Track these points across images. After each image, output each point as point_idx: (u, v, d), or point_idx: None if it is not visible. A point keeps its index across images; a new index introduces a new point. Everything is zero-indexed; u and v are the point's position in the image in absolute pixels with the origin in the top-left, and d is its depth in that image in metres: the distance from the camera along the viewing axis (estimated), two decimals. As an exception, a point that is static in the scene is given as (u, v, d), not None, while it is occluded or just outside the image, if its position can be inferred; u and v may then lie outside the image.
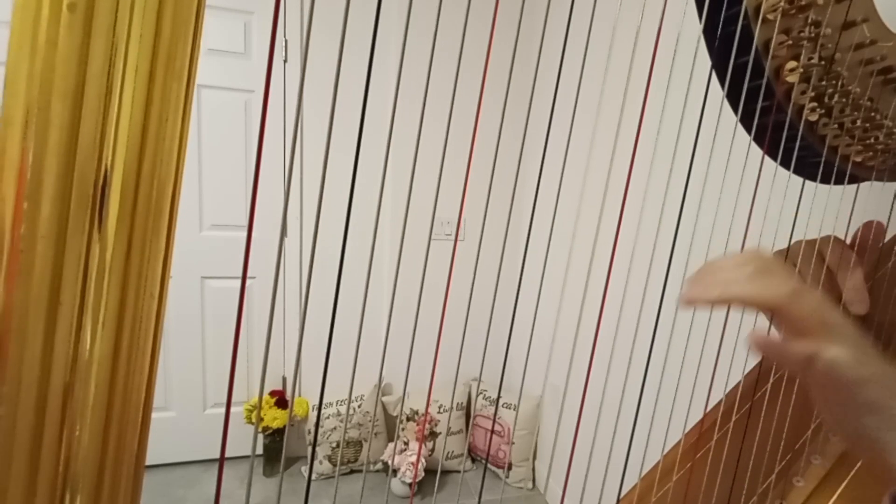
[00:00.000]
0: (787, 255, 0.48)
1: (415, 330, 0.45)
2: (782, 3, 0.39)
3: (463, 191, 2.10)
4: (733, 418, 0.51)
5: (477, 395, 2.07)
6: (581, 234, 1.60)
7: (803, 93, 0.43)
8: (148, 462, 0.25)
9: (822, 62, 0.41)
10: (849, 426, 0.30)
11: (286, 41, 1.85)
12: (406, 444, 1.94)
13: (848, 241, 0.49)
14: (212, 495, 1.78)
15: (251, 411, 1.92)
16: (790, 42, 0.41)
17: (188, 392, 1.97)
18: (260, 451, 1.96)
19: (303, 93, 0.27)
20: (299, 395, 2.01)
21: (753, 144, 0.46)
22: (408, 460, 1.84)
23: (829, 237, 0.48)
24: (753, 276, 0.29)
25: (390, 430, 2.06)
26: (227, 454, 2.05)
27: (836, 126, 0.45)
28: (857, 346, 0.29)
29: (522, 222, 2.17)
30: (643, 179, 1.22)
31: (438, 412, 1.99)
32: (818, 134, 0.45)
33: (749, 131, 0.45)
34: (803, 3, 0.39)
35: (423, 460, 1.90)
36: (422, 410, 1.96)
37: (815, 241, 0.49)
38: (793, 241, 0.49)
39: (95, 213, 0.22)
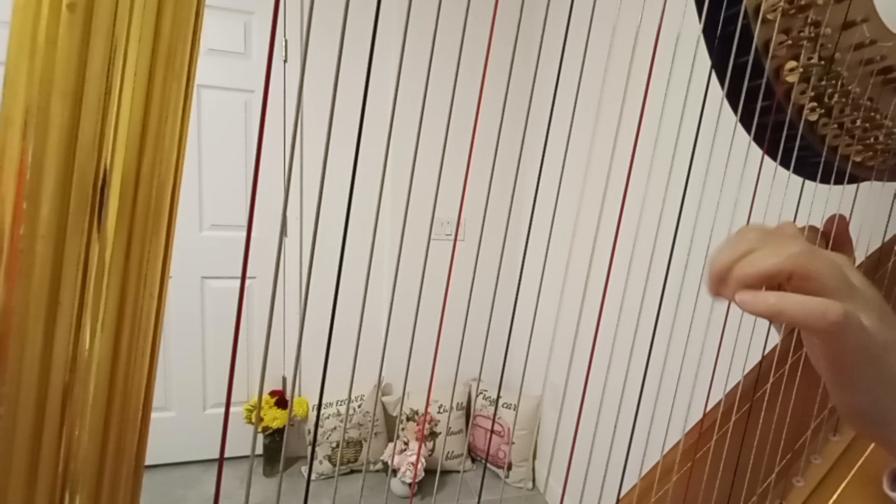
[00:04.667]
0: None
1: (415, 330, 0.45)
2: (782, 3, 0.39)
3: (463, 190, 2.10)
4: (733, 418, 0.51)
5: (477, 395, 2.07)
6: (581, 234, 1.60)
7: (803, 93, 0.43)
8: (148, 462, 0.25)
9: (822, 62, 0.41)
10: (865, 402, 0.27)
11: (286, 41, 1.85)
12: (406, 444, 1.94)
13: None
14: (212, 495, 1.78)
15: (251, 411, 1.92)
16: (790, 42, 0.41)
17: (188, 392, 1.97)
18: (260, 451, 1.96)
19: (302, 93, 0.27)
20: (299, 395, 2.01)
21: (753, 144, 0.46)
22: (408, 460, 1.84)
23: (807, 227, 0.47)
24: (761, 250, 0.27)
25: (390, 430, 2.06)
26: (227, 454, 2.05)
27: (835, 126, 0.45)
28: (882, 310, 0.27)
29: (522, 222, 2.17)
30: (643, 179, 1.22)
31: (438, 412, 1.99)
32: (818, 134, 0.45)
33: (749, 131, 0.45)
34: (803, 2, 0.39)
35: (423, 460, 1.90)
36: (422, 410, 1.96)
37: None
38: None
39: (95, 213, 0.22)
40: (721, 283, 0.28)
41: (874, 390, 0.27)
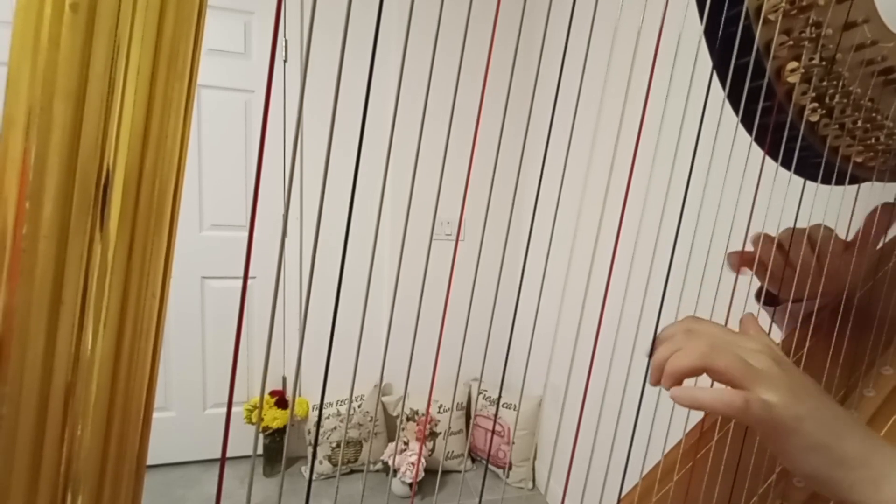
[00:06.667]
0: (778, 240, 0.49)
1: (415, 330, 0.45)
2: (783, 4, 0.39)
3: (464, 191, 2.10)
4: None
5: (477, 395, 2.07)
6: (582, 234, 1.60)
7: (804, 93, 0.43)
8: (148, 462, 0.25)
9: (823, 63, 0.41)
10: (799, 468, 0.30)
11: (286, 41, 1.85)
12: (406, 444, 1.94)
13: (863, 227, 0.50)
14: (212, 495, 1.78)
15: (251, 411, 1.92)
16: (791, 43, 0.41)
17: (188, 392, 1.97)
18: (260, 451, 1.96)
19: (304, 93, 0.27)
20: (299, 395, 2.01)
21: (754, 145, 0.46)
22: (408, 460, 1.84)
23: (818, 226, 0.49)
24: (682, 350, 0.31)
25: (390, 430, 2.06)
26: (228, 454, 2.05)
27: (836, 127, 0.45)
28: (788, 385, 0.30)
29: (523, 222, 2.17)
30: (644, 180, 1.22)
31: (438, 412, 1.99)
32: (819, 134, 0.45)
33: (750, 132, 0.45)
34: (804, 3, 0.39)
35: (423, 460, 1.90)
36: (422, 410, 1.96)
37: (805, 228, 0.50)
38: (784, 229, 0.51)
39: (97, 213, 0.22)
40: (659, 377, 0.33)
41: (804, 458, 0.29)
